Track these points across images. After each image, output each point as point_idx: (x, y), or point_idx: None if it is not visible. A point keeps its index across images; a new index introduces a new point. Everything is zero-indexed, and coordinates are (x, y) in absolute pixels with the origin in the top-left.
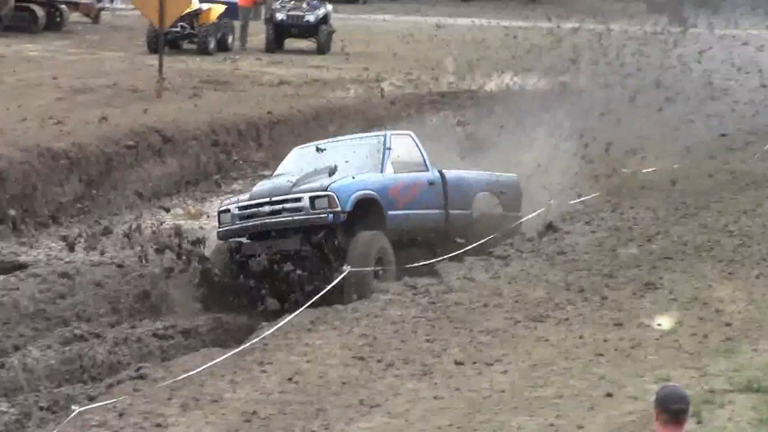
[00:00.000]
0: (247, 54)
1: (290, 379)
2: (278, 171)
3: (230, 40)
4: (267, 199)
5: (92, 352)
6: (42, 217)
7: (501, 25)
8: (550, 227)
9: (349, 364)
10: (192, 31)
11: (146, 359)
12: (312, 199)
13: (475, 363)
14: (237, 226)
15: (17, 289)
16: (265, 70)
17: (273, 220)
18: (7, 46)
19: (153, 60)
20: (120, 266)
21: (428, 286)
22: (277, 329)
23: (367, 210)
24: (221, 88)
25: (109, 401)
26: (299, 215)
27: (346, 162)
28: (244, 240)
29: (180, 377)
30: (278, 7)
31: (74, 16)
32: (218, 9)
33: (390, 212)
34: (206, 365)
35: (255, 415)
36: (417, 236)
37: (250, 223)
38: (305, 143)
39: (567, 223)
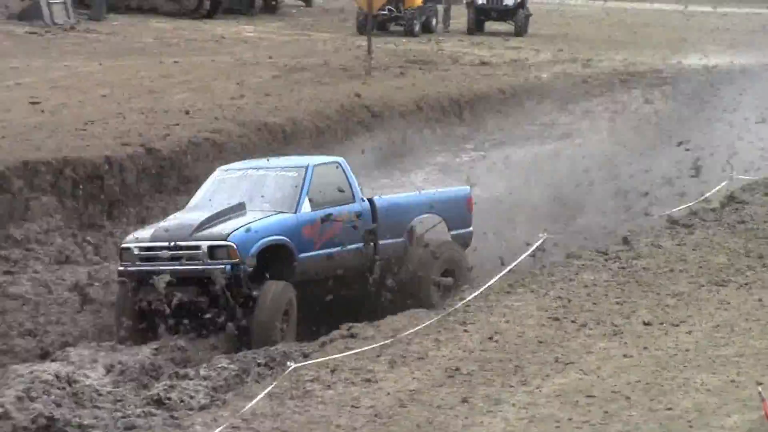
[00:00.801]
0: (450, 36)
1: (490, 338)
2: (195, 198)
3: (434, 22)
4: (167, 244)
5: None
6: None
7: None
8: (731, 198)
9: (544, 325)
10: (398, 14)
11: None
12: (210, 248)
13: (661, 324)
14: (136, 268)
15: None
16: (466, 51)
17: (171, 267)
18: (226, 28)
19: (362, 41)
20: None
21: (618, 252)
22: (478, 293)
23: (276, 255)
24: (425, 68)
25: (322, 358)
26: (197, 264)
27: (262, 197)
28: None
29: (388, 337)
30: None
31: (289, 0)
32: None
33: (303, 254)
34: (413, 325)
35: (458, 371)
36: (340, 274)
37: (148, 268)
38: (230, 163)
39: (747, 194)
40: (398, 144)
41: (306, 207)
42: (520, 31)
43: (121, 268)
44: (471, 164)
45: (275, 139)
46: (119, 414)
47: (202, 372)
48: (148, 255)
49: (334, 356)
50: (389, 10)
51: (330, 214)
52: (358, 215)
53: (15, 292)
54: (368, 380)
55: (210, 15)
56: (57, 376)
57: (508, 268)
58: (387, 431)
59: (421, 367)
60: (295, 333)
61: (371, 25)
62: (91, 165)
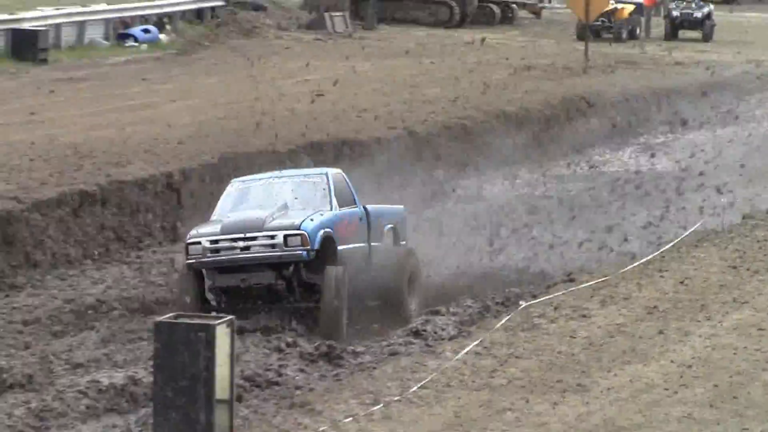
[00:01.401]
0: (650, 41)
1: (681, 282)
2: (223, 206)
3: (638, 31)
4: (241, 235)
5: (548, 263)
6: (496, 159)
7: None
8: None
9: (725, 272)
10: (609, 24)
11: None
12: (285, 236)
13: None
14: (209, 259)
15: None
16: (663, 54)
17: (247, 255)
18: (473, 35)
19: (580, 46)
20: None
21: None
22: (671, 245)
23: (327, 245)
24: (631, 67)
25: (546, 297)
26: (274, 251)
27: (296, 199)
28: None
29: (600, 280)
30: (674, 6)
31: (522, 13)
32: (629, 7)
33: (340, 247)
34: (618, 271)
35: (655, 308)
36: (352, 265)
37: (224, 258)
38: (244, 176)
39: None
40: (608, 128)
41: (335, 206)
42: (707, 38)
43: (192, 261)
44: (667, 143)
45: (510, 124)
46: (385, 343)
47: (452, 309)
48: (218, 247)
49: (556, 295)
50: (602, 20)
51: (366, 212)
52: (360, 218)
53: None
54: (583, 316)
55: (459, 25)
56: None
57: (697, 225)
58: (598, 356)
59: (626, 305)
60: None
61: (588, 32)
62: (363, 144)
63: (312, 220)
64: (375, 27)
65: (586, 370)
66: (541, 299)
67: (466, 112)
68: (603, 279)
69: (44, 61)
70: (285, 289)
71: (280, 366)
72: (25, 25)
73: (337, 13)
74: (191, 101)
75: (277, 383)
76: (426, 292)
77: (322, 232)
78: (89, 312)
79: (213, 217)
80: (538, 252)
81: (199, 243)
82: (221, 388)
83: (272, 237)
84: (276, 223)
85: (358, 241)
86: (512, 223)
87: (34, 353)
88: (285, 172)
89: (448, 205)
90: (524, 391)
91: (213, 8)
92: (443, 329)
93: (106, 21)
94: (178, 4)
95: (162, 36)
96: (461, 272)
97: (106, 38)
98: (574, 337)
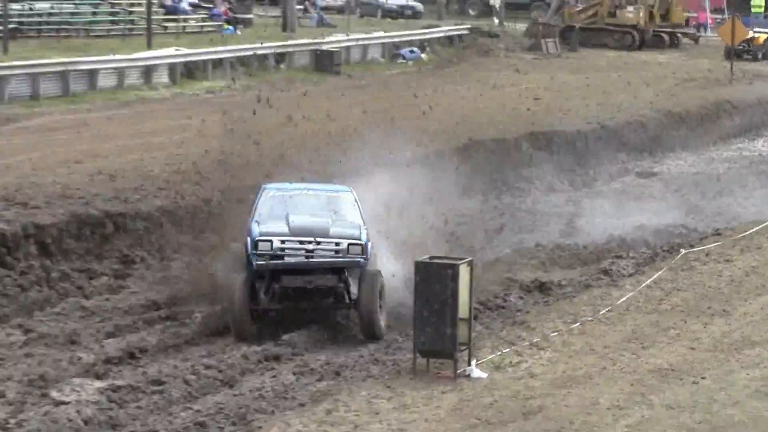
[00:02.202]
0: None
1: None
2: (263, 207)
3: None
4: (312, 239)
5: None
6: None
7: None
8: None
9: None
10: (749, 48)
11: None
12: (349, 245)
13: None
14: (279, 261)
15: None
16: None
17: (316, 260)
18: (648, 56)
19: (727, 64)
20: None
21: None
22: None
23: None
24: (764, 80)
25: (701, 247)
26: (338, 257)
27: (333, 211)
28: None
29: (740, 235)
30: None
31: (685, 40)
32: (764, 36)
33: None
34: (753, 228)
35: None
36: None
37: (294, 260)
38: (276, 183)
39: None
40: (746, 124)
41: (363, 219)
42: None
43: (262, 261)
44: None
45: (675, 120)
46: (582, 278)
47: (631, 254)
48: (285, 247)
49: (707, 246)
50: (743, 45)
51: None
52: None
53: (524, 208)
54: (727, 260)
55: (639, 48)
56: None
57: None
58: (738, 290)
59: (759, 253)
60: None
61: (732, 54)
62: (568, 134)
63: (363, 231)
64: (576, 50)
65: (729, 300)
66: (697, 248)
67: (642, 111)
68: (742, 234)
69: (338, 73)
70: (341, 291)
71: (505, 295)
72: (325, 47)
73: (550, 39)
74: (445, 102)
75: (503, 307)
76: (610, 239)
77: (370, 242)
78: None
79: (256, 218)
80: (690, 212)
81: (270, 241)
82: (462, 310)
83: (338, 244)
84: (339, 231)
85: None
86: (673, 193)
87: None
88: (312, 186)
89: (627, 179)
90: (683, 314)
91: (460, 35)
92: (624, 269)
93: (383, 44)
94: (434, 32)
95: (423, 55)
96: (638, 227)
97: (383, 56)
98: (720, 276)
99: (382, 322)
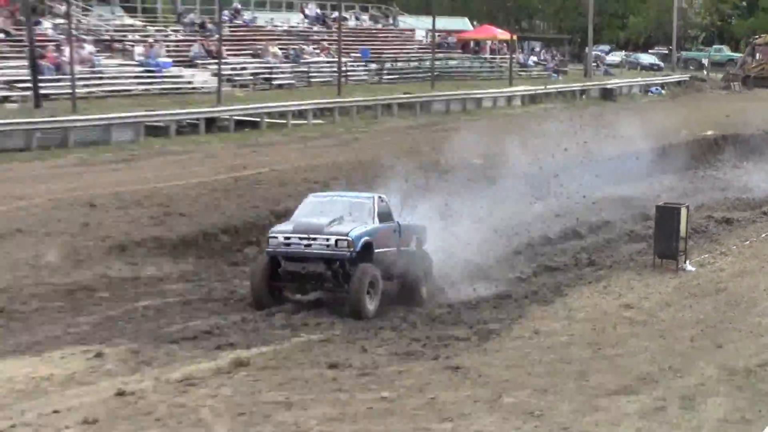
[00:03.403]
0: None
1: None
2: (301, 211)
3: None
4: (305, 235)
5: None
6: None
7: None
8: None
9: None
10: None
11: None
12: (337, 240)
13: None
14: (282, 249)
15: None
16: None
17: (308, 250)
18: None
19: None
20: None
21: None
22: None
23: (368, 248)
24: None
25: None
26: (327, 250)
27: (350, 214)
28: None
29: None
30: None
31: None
32: None
33: (376, 250)
34: None
35: None
36: (384, 264)
37: (292, 250)
38: (319, 192)
39: None
40: None
41: (377, 221)
42: None
43: (270, 249)
44: None
45: None
46: (750, 216)
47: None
48: (288, 242)
49: None
50: None
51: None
52: (395, 230)
53: (718, 177)
54: None
55: None
56: None
57: None
58: None
59: None
60: (380, 295)
61: None
62: (744, 135)
63: (357, 230)
64: (751, 89)
65: None
66: None
67: None
68: None
69: (614, 101)
70: (331, 276)
71: (706, 225)
72: (608, 86)
73: (736, 83)
74: (674, 115)
75: (704, 231)
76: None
77: (364, 239)
78: None
79: (291, 219)
80: None
81: (276, 237)
82: (682, 232)
83: (327, 239)
84: (333, 229)
85: (392, 246)
86: None
87: None
88: (345, 194)
89: None
90: None
91: (684, 80)
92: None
93: (640, 85)
94: (669, 78)
95: (663, 91)
96: None
97: (640, 91)
98: None
99: (424, 293)
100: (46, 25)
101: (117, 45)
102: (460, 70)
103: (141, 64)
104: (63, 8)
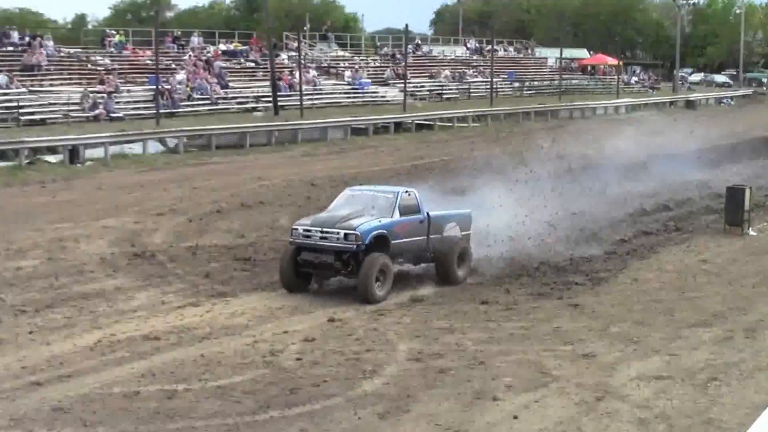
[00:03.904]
0: None
1: None
2: (335, 203)
3: None
4: (320, 229)
5: None
6: None
7: None
8: None
9: None
10: None
11: None
12: (345, 234)
13: None
14: (300, 240)
15: None
16: None
17: (321, 243)
18: None
19: None
20: None
21: None
22: None
23: (381, 240)
24: None
25: None
26: (337, 242)
27: (372, 207)
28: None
29: None
30: None
31: None
32: None
33: (394, 241)
34: None
35: None
36: (409, 252)
37: (308, 242)
38: (355, 186)
39: None
40: None
41: (397, 215)
42: None
43: (291, 240)
44: None
45: None
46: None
47: None
48: (306, 233)
49: None
50: None
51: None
52: (421, 221)
53: None
54: None
55: None
56: None
57: None
58: None
59: None
60: (392, 281)
61: None
62: None
63: (368, 224)
64: None
65: None
66: None
67: None
68: None
69: (695, 109)
70: (341, 266)
71: (764, 201)
72: (690, 98)
73: None
74: (741, 120)
75: (764, 205)
76: None
77: (375, 233)
78: None
79: (331, 206)
80: None
81: (297, 229)
82: (747, 206)
83: (337, 233)
84: (345, 223)
85: (418, 235)
86: None
87: None
88: (375, 188)
89: None
90: None
91: (749, 94)
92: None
93: (715, 98)
94: (737, 93)
95: (732, 102)
96: None
97: (716, 103)
98: None
99: (457, 272)
100: (283, 56)
101: (332, 70)
102: (579, 87)
103: (349, 84)
104: (295, 44)
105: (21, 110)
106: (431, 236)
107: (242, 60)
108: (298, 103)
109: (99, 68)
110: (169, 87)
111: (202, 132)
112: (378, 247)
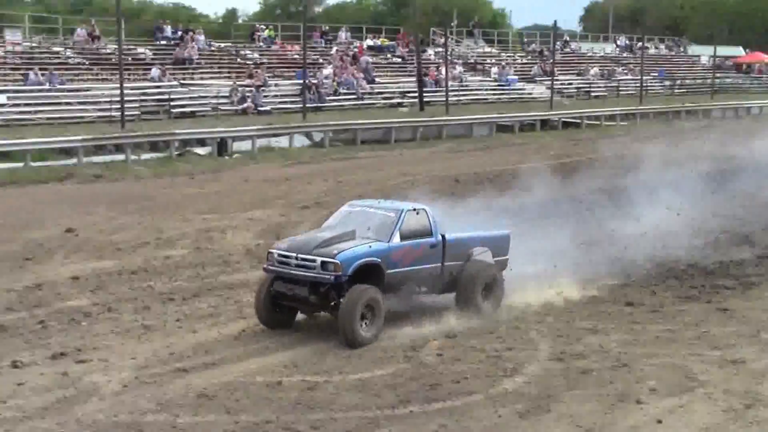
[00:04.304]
0: None
1: None
2: (328, 221)
3: None
4: (296, 255)
5: None
6: None
7: None
8: None
9: None
10: None
11: None
12: (323, 263)
13: None
14: (274, 267)
15: None
16: None
17: (296, 271)
18: None
19: None
20: None
21: None
22: None
23: (371, 270)
24: None
25: None
26: (311, 273)
27: (368, 229)
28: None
29: None
30: None
31: None
32: None
33: (391, 270)
34: None
35: None
36: (416, 282)
37: (282, 270)
38: (356, 200)
39: None
40: None
41: (396, 238)
42: None
43: (266, 265)
44: None
45: None
46: None
47: None
48: (283, 259)
49: None
50: None
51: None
52: (433, 246)
53: None
54: None
55: None
56: None
57: None
58: None
59: None
60: (383, 319)
61: None
62: None
63: (351, 251)
64: None
65: None
66: None
67: None
68: None
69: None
70: (317, 302)
71: None
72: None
73: None
74: None
75: None
76: None
77: (361, 261)
78: None
79: (324, 225)
80: None
81: (273, 253)
82: None
83: (314, 261)
84: (325, 249)
85: (429, 262)
86: None
87: None
88: (377, 204)
89: None
90: None
91: None
92: None
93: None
94: None
95: None
96: None
97: None
98: None
99: (480, 302)
100: (430, 52)
101: (479, 66)
102: (734, 85)
103: (495, 80)
104: (442, 40)
105: (172, 103)
106: (448, 263)
107: (389, 55)
108: (444, 99)
109: (248, 62)
110: (315, 81)
111: (347, 126)
112: (367, 277)
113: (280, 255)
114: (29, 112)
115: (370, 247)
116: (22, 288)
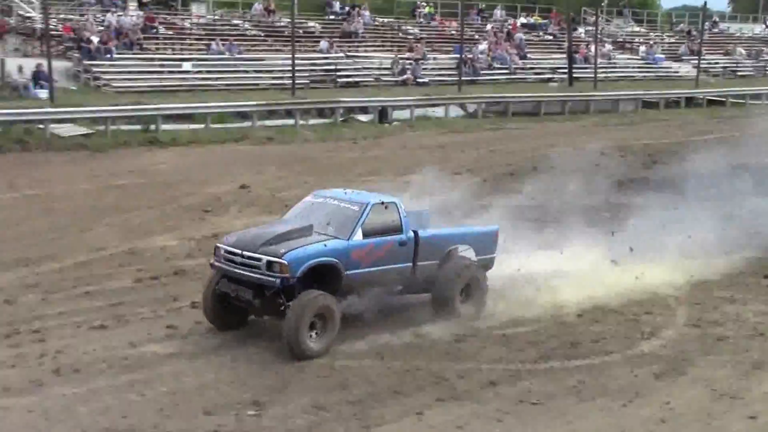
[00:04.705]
0: None
1: None
2: (288, 214)
3: None
4: (241, 252)
5: None
6: None
7: None
8: None
9: None
10: None
11: None
12: (269, 263)
13: None
14: (219, 264)
15: None
16: None
17: (239, 270)
18: None
19: None
20: None
21: None
22: None
23: (326, 271)
24: None
25: None
26: (256, 273)
27: (327, 224)
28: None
29: None
30: None
31: None
32: None
33: (350, 272)
34: None
35: None
36: (382, 284)
37: (226, 267)
38: (324, 190)
39: None
40: None
41: (358, 235)
42: None
43: (212, 261)
44: None
45: None
46: None
47: None
48: (229, 256)
49: None
50: None
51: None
52: (402, 243)
53: None
54: None
55: None
56: None
57: None
58: None
59: None
60: (337, 329)
61: None
62: None
63: (305, 249)
64: None
65: None
66: None
67: None
68: None
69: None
70: (261, 305)
71: None
72: None
73: None
74: None
75: None
76: None
77: (312, 262)
78: None
79: (282, 218)
80: None
81: (219, 248)
82: None
83: (259, 260)
84: (272, 247)
85: (397, 261)
86: None
87: None
88: (342, 196)
89: None
90: None
91: None
92: None
93: None
94: None
95: None
96: None
97: None
98: None
99: (457, 305)
100: (580, 30)
101: (627, 45)
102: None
103: (643, 59)
104: (592, 19)
105: (338, 73)
106: (422, 263)
107: (541, 33)
108: (592, 75)
109: (409, 37)
110: (471, 56)
111: (500, 99)
112: (322, 280)
113: (226, 251)
114: (211, 79)
115: (326, 245)
116: (201, 237)
